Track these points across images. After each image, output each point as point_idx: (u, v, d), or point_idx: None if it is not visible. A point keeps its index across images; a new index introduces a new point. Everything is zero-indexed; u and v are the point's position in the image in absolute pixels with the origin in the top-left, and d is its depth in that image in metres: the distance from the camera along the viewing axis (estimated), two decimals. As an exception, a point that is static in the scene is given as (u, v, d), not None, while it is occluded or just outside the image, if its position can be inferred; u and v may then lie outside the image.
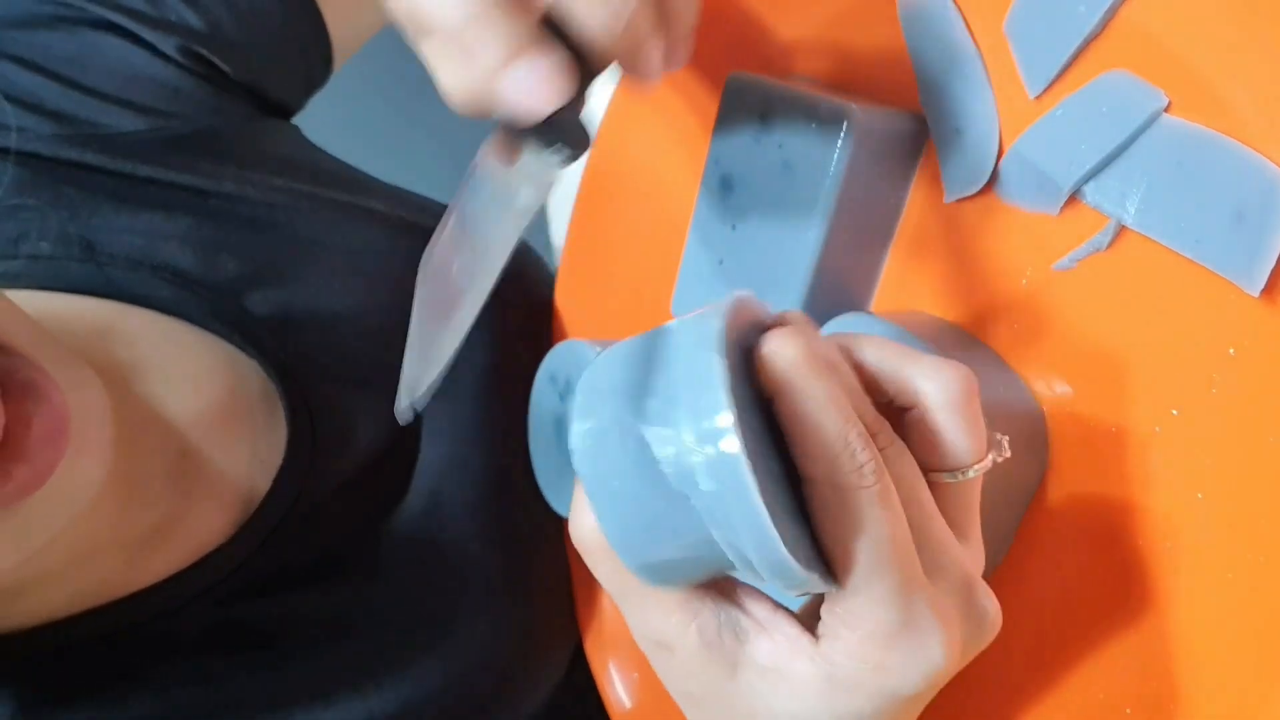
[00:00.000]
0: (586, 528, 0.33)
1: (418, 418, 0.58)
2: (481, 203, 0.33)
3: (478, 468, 0.59)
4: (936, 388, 0.33)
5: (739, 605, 0.33)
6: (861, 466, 0.30)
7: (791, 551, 0.29)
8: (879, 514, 0.30)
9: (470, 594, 0.59)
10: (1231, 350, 0.36)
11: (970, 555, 0.34)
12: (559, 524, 0.65)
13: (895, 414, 0.34)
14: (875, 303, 0.47)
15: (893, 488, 0.31)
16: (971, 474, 0.33)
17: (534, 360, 0.53)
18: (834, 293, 0.45)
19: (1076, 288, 0.40)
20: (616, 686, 0.62)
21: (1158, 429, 0.38)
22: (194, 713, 0.50)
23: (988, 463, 0.33)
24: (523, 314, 0.64)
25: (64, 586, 0.46)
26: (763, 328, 0.32)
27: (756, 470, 0.29)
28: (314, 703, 0.53)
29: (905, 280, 0.46)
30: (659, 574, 0.32)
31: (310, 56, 0.63)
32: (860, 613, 0.30)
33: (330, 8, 0.63)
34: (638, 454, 0.30)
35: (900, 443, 0.32)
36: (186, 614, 0.50)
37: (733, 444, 0.28)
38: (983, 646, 0.33)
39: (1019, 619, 0.35)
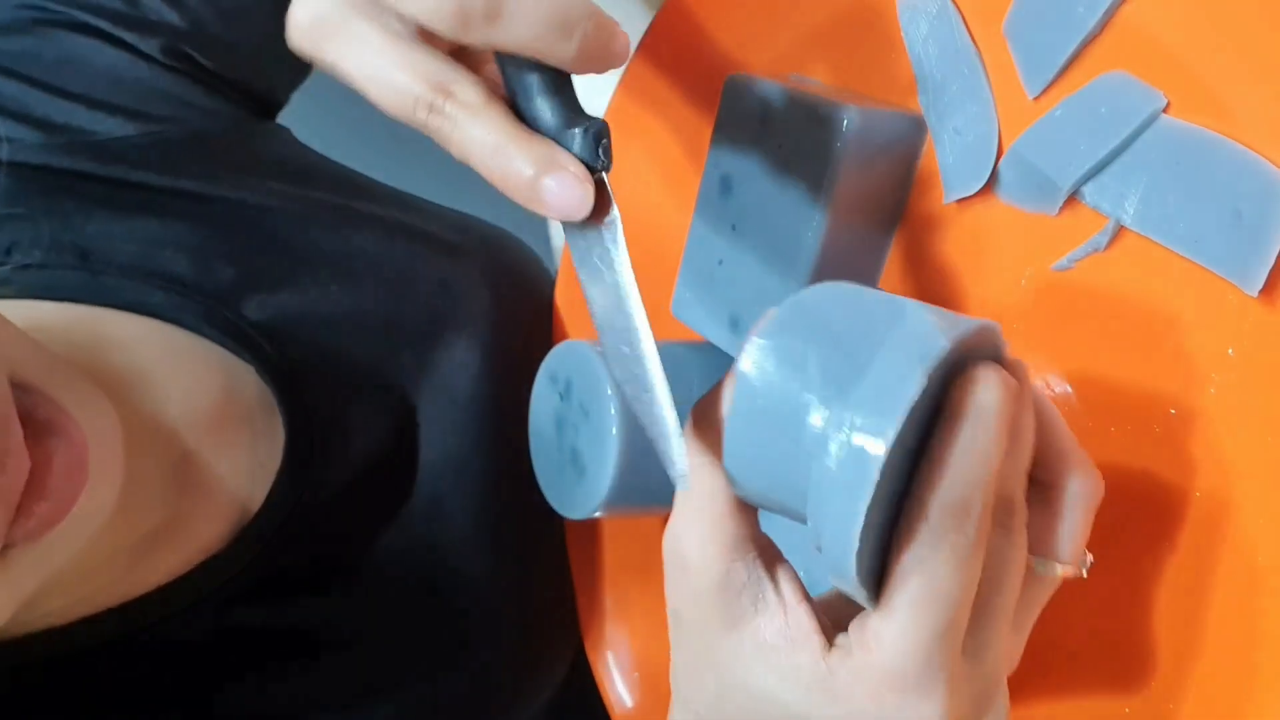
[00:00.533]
0: (715, 407, 0.33)
1: (416, 422, 0.58)
2: (590, 271, 0.36)
3: (477, 470, 0.59)
4: (1085, 487, 0.34)
5: (773, 578, 0.33)
6: (965, 527, 0.30)
7: (858, 560, 0.29)
8: (952, 567, 0.30)
9: (471, 597, 0.59)
10: (1230, 350, 0.36)
11: (1013, 649, 0.34)
12: (560, 524, 0.65)
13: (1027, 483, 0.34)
14: (875, 303, 0.47)
15: (979, 557, 0.31)
16: (1057, 571, 0.34)
17: (534, 361, 0.53)
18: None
19: (1075, 288, 0.40)
20: (617, 686, 0.62)
21: (1156, 429, 0.38)
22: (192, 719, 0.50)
23: (1072, 570, 0.34)
24: (522, 315, 0.64)
25: (65, 595, 0.46)
26: (991, 353, 0.32)
27: (880, 486, 0.29)
28: (314, 709, 0.53)
29: (905, 280, 0.46)
30: (746, 489, 0.33)
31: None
32: (884, 641, 0.30)
33: None
34: (797, 395, 0.31)
35: (1024, 536, 0.32)
36: (184, 620, 0.49)
37: (878, 451, 0.29)
38: None
39: (1018, 618, 0.35)
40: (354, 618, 0.56)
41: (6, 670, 0.46)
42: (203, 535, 0.50)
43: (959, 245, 0.44)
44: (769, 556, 0.34)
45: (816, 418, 0.30)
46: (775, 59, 0.50)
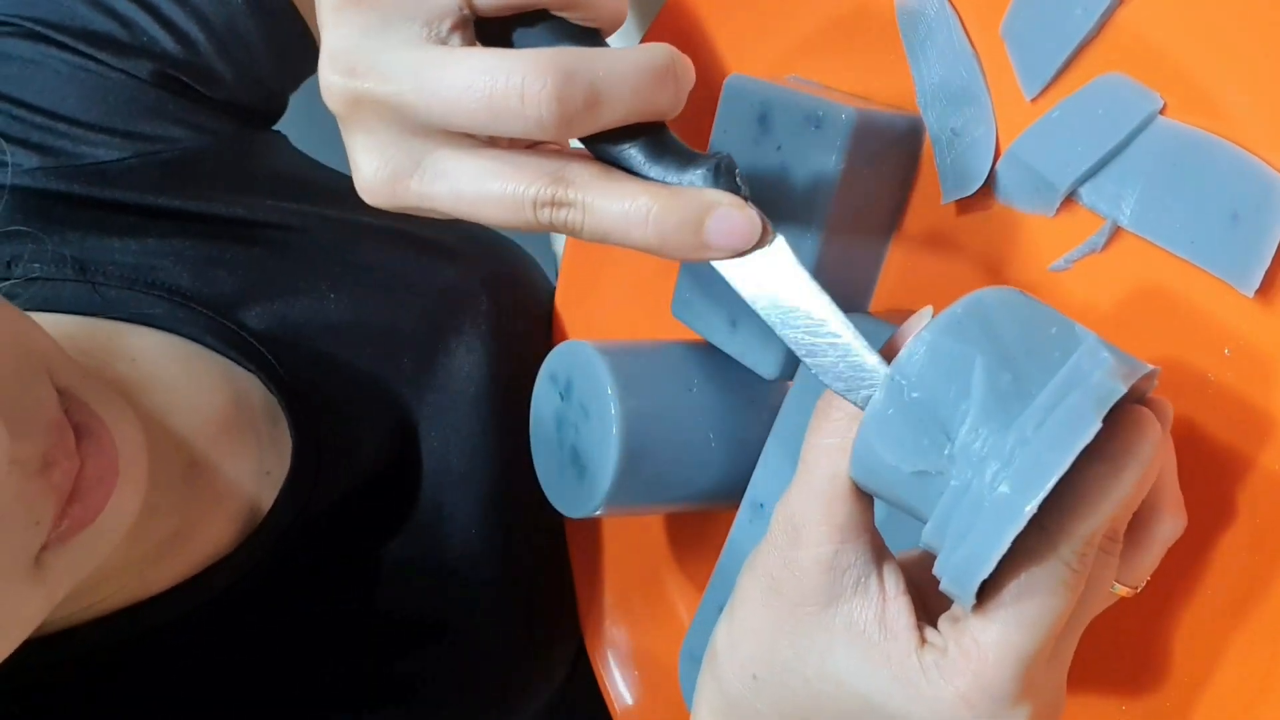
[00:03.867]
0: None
1: (418, 426, 0.58)
2: (773, 307, 0.34)
3: (479, 473, 0.59)
4: (1175, 529, 0.34)
5: (878, 569, 0.33)
6: (1086, 559, 0.30)
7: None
8: (1064, 593, 0.30)
9: (473, 598, 0.59)
10: (1227, 351, 0.36)
11: None
12: (561, 524, 0.65)
13: None
14: (873, 303, 0.47)
15: (1083, 584, 0.31)
16: (1118, 589, 0.34)
17: (534, 365, 0.53)
18: (833, 293, 0.45)
19: (1072, 289, 0.40)
20: (617, 684, 0.63)
21: (1154, 429, 0.38)
22: None
23: (1130, 592, 0.34)
24: (522, 319, 0.65)
25: (76, 602, 0.46)
26: (1141, 394, 0.32)
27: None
28: (317, 712, 0.54)
29: (903, 281, 0.46)
30: (866, 475, 0.32)
31: (293, 59, 0.60)
32: (983, 647, 0.31)
33: (310, 9, 0.61)
34: (954, 402, 0.30)
35: (1117, 562, 0.33)
36: (191, 623, 0.50)
37: (1034, 503, 0.28)
38: None
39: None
40: (359, 619, 0.56)
41: (16, 671, 0.46)
42: (211, 540, 0.51)
43: (957, 246, 0.44)
44: (878, 548, 0.34)
45: (971, 433, 0.30)
46: (775, 59, 0.50)
